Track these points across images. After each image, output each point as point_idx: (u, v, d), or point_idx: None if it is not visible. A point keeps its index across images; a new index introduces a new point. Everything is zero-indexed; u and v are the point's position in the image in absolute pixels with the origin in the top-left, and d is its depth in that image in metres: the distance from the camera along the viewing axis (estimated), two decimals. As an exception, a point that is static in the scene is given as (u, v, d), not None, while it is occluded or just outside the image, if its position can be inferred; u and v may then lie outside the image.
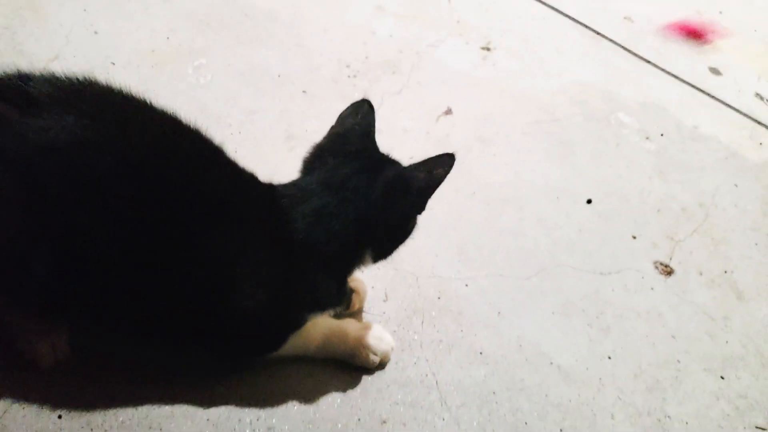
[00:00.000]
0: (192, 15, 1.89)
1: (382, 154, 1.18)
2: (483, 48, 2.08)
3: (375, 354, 1.24)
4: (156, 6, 1.89)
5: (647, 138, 1.96)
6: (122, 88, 1.05)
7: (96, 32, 1.77)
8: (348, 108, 1.21)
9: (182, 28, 1.84)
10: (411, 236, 1.20)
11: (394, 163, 1.17)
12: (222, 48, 1.83)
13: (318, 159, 1.15)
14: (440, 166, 1.14)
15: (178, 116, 1.06)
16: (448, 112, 1.84)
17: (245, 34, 1.89)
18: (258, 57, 1.84)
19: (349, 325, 1.26)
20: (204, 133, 1.07)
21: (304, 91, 1.78)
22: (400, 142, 1.72)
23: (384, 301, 1.39)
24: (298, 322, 1.14)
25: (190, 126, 1.06)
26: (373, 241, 1.14)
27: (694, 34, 2.40)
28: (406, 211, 1.16)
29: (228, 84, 1.75)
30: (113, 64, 1.71)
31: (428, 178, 1.13)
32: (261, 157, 1.56)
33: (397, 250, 1.20)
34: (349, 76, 1.86)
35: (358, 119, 1.18)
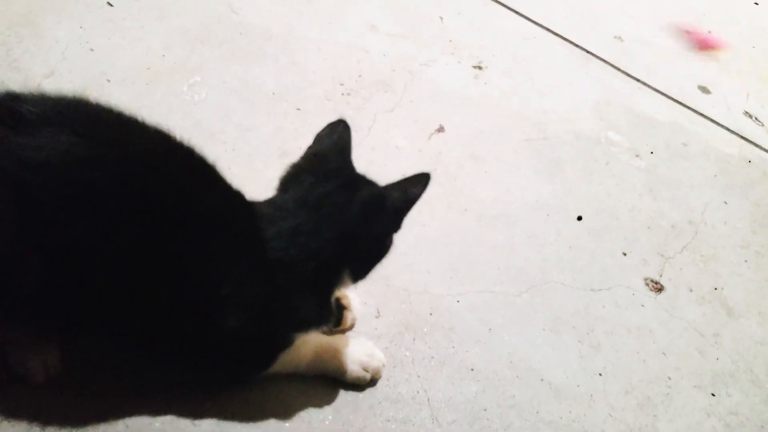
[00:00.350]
0: (187, 32, 1.90)
1: (358, 174, 1.20)
2: (475, 66, 2.11)
3: (366, 371, 1.25)
4: (151, 23, 1.90)
5: (637, 156, 1.98)
6: (113, 107, 1.06)
7: (92, 49, 1.78)
8: (325, 128, 1.23)
9: (177, 45, 1.86)
10: (387, 255, 1.21)
11: (370, 183, 1.18)
12: (217, 65, 1.84)
13: (294, 178, 1.16)
14: (415, 185, 1.15)
15: (170, 133, 1.07)
16: (441, 129, 1.85)
17: (240, 52, 1.90)
18: (252, 74, 1.85)
19: (339, 341, 1.26)
20: (196, 151, 1.08)
21: (297, 109, 1.79)
22: (393, 159, 1.73)
23: (376, 317, 1.40)
24: (285, 342, 1.14)
25: (182, 143, 1.07)
26: (351, 259, 1.15)
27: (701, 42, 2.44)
28: (382, 230, 1.18)
29: (222, 101, 1.76)
30: (108, 81, 1.72)
31: (403, 197, 1.15)
32: (254, 174, 1.56)
33: (374, 269, 1.21)
34: (342, 94, 1.87)
35: (335, 138, 1.20)
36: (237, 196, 1.13)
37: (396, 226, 1.18)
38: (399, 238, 1.22)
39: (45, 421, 1.10)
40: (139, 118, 1.07)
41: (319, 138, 1.22)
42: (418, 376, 1.32)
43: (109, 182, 0.95)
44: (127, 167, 0.98)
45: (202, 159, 1.09)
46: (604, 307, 1.55)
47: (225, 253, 1.04)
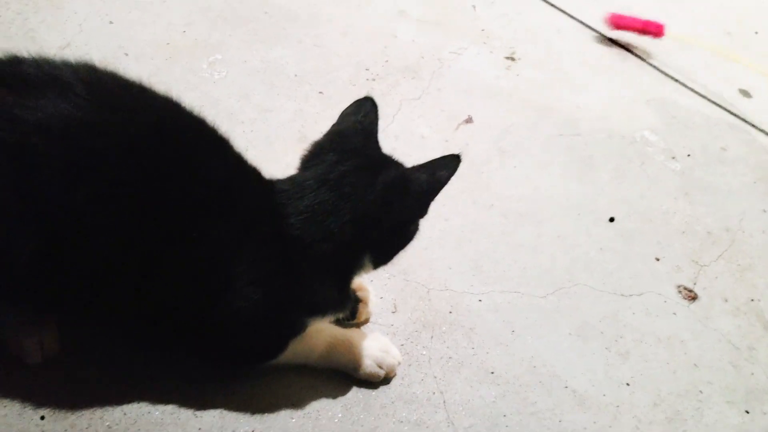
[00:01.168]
0: (209, 9, 1.84)
1: (384, 154, 1.12)
2: (507, 58, 2.03)
3: (380, 367, 1.18)
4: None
5: (673, 158, 1.89)
6: (121, 73, 1.00)
7: (111, 22, 1.73)
8: (350, 105, 1.16)
9: (199, 22, 1.80)
10: (412, 242, 1.13)
11: (395, 164, 1.11)
12: (238, 44, 1.78)
13: (316, 156, 1.09)
14: (444, 168, 1.07)
15: (180, 103, 1.01)
16: (469, 120, 1.78)
17: (263, 32, 1.84)
18: (275, 55, 1.79)
19: (354, 334, 1.19)
20: (208, 122, 1.02)
21: (320, 92, 1.73)
22: (417, 149, 1.66)
23: (392, 312, 1.33)
24: (297, 327, 1.07)
25: (192, 113, 1.01)
26: (372, 244, 1.08)
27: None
28: (405, 215, 1.09)
29: (243, 81, 1.70)
30: (126, 54, 1.66)
31: (431, 180, 1.06)
32: (272, 157, 1.50)
33: (398, 255, 1.14)
34: (367, 79, 1.81)
35: (360, 117, 1.12)
36: (252, 171, 1.06)
37: (422, 211, 1.10)
38: (420, 232, 1.15)
39: (38, 403, 1.05)
40: (148, 86, 1.01)
41: (345, 115, 1.15)
42: (435, 377, 1.25)
43: (113, 150, 0.90)
44: (134, 135, 0.92)
45: (213, 130, 1.02)
46: (633, 313, 1.47)
47: (237, 228, 0.98)
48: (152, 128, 0.95)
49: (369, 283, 1.33)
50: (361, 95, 1.73)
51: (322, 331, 1.15)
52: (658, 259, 1.60)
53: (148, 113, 0.97)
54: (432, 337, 1.31)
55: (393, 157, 1.12)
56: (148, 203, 0.92)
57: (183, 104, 1.02)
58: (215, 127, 1.03)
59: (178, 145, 0.96)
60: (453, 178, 1.08)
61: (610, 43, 2.23)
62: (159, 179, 0.93)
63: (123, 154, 0.91)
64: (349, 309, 1.18)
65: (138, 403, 1.08)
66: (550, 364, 1.33)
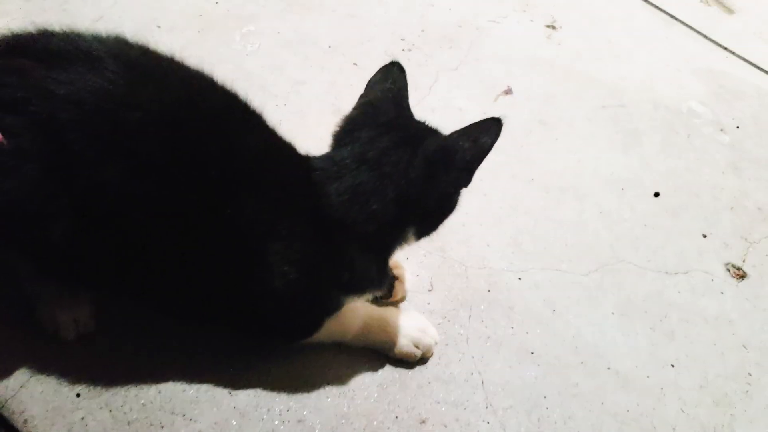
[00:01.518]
0: (242, -20, 1.81)
1: (420, 123, 1.07)
2: (548, 26, 1.96)
3: (417, 347, 1.15)
4: (206, -31, 1.81)
5: (721, 130, 1.81)
6: (152, 48, 0.97)
7: (143, -7, 1.70)
8: (377, 73, 1.10)
9: (232, -7, 1.77)
10: (454, 211, 1.08)
11: (433, 133, 1.05)
12: (271, 15, 1.74)
13: (349, 133, 1.04)
14: (486, 133, 1.00)
15: (213, 77, 0.98)
16: (508, 91, 1.72)
17: (296, 2, 1.80)
18: (308, 26, 1.75)
19: (390, 313, 1.16)
20: (241, 97, 0.99)
21: (354, 64, 1.68)
22: (455, 122, 1.59)
23: (429, 291, 1.29)
24: (334, 305, 1.04)
25: (225, 88, 0.98)
26: (416, 219, 1.03)
27: None
28: (450, 186, 1.04)
29: (276, 53, 1.66)
30: (159, 27, 1.64)
31: (474, 148, 1.00)
32: (306, 130, 1.46)
33: (442, 225, 1.09)
34: (403, 50, 1.76)
35: (389, 85, 1.07)
36: (287, 146, 1.03)
37: (467, 181, 1.05)
38: (458, 208, 1.10)
39: (74, 380, 1.04)
40: (180, 60, 0.98)
41: (371, 85, 1.09)
42: (473, 357, 1.22)
43: (145, 125, 0.87)
44: (165, 110, 0.89)
45: (246, 105, 0.99)
46: (679, 292, 1.42)
47: (273, 205, 0.95)
48: (184, 103, 0.92)
49: (405, 260, 1.30)
50: (397, 66, 1.69)
51: (358, 309, 1.12)
52: (705, 236, 1.54)
53: (180, 88, 0.94)
54: (470, 316, 1.27)
55: (428, 125, 1.07)
56: (181, 179, 0.89)
57: (215, 78, 0.99)
58: (248, 101, 1.00)
59: (211, 120, 0.93)
60: (492, 150, 1.03)
61: (654, 9, 2.14)
62: (192, 154, 0.90)
63: (155, 129, 0.88)
64: (386, 287, 1.14)
65: (173, 381, 1.07)
66: (593, 344, 1.29)
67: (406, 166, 0.99)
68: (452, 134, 1.02)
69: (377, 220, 0.98)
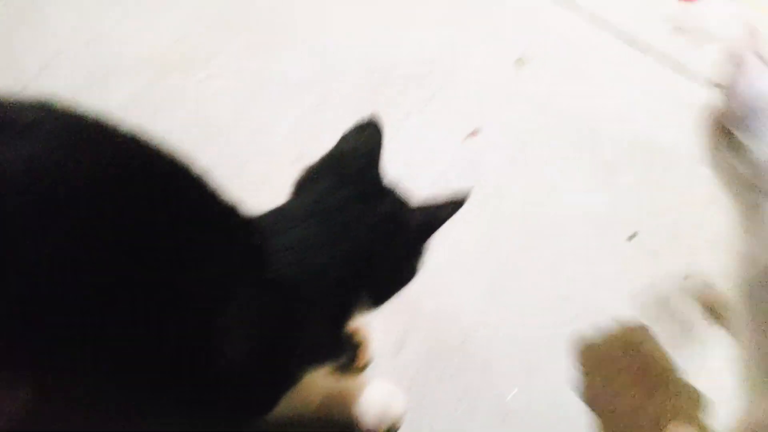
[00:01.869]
0: (201, 19, 1.74)
1: (385, 183, 1.01)
2: (518, 60, 1.90)
3: (382, 421, 1.07)
4: (163, 10, 1.74)
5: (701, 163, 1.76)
6: (85, 110, 0.90)
7: (98, 35, 1.63)
8: (352, 127, 1.04)
9: (191, 34, 1.70)
10: (412, 280, 1.02)
11: (395, 194, 1.00)
12: (232, 55, 1.68)
13: (309, 182, 0.99)
14: (447, 206, 0.97)
15: (151, 140, 0.91)
16: (478, 130, 1.66)
17: (259, 39, 1.74)
18: (272, 64, 1.69)
19: (353, 385, 1.09)
20: (180, 159, 0.92)
21: (320, 104, 1.62)
22: (426, 160, 1.55)
23: (397, 348, 1.22)
24: (290, 379, 0.97)
25: (163, 151, 0.91)
26: (368, 282, 0.97)
27: None
28: (403, 251, 0.99)
29: (237, 95, 1.60)
30: (110, 74, 1.56)
31: (428, 218, 0.97)
32: (267, 178, 1.39)
33: (398, 294, 1.03)
34: (372, 87, 1.70)
35: (362, 140, 1.02)
36: (230, 208, 0.95)
37: (417, 249, 1.00)
38: (429, 257, 1.03)
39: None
40: (117, 124, 0.91)
41: (345, 138, 1.04)
42: (444, 421, 1.14)
43: (77, 194, 0.79)
44: (97, 176, 0.81)
45: (186, 167, 0.92)
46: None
47: (216, 275, 0.87)
48: (119, 169, 0.84)
49: (373, 317, 1.23)
50: (365, 106, 1.63)
51: (316, 383, 1.04)
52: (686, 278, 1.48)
53: (115, 153, 0.86)
54: (441, 376, 1.20)
55: (395, 188, 1.01)
56: (116, 250, 0.82)
57: (152, 139, 0.92)
58: (189, 162, 0.93)
59: (148, 187, 0.86)
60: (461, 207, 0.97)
61: (630, 41, 2.10)
62: (128, 224, 0.83)
63: (89, 199, 0.81)
64: (346, 355, 1.07)
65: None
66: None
67: (358, 221, 0.93)
68: (417, 204, 0.98)
69: (325, 277, 0.92)
